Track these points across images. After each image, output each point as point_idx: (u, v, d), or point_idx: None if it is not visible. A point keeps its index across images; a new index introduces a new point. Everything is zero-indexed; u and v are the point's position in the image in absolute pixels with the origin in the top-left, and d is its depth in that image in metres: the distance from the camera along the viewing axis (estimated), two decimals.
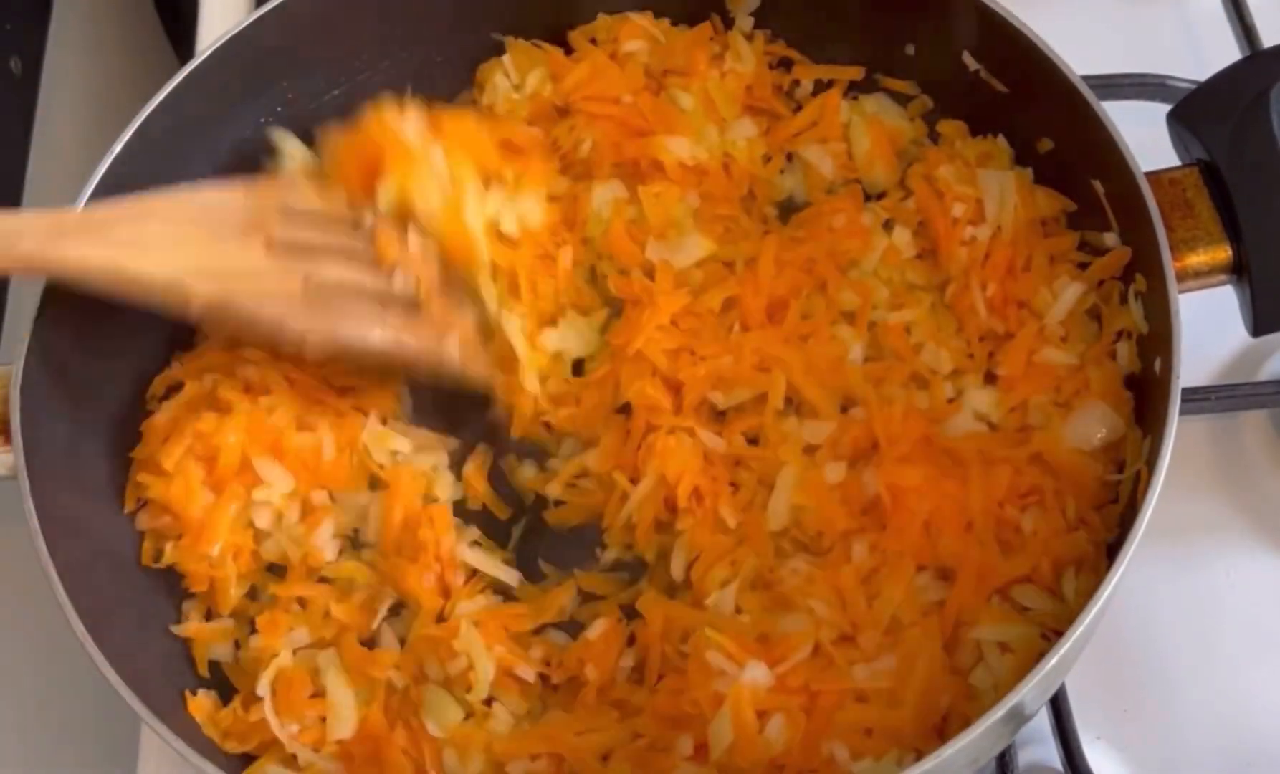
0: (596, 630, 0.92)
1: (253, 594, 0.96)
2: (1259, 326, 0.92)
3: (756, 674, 0.84)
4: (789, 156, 1.08)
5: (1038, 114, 0.98)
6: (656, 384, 0.97)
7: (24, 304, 0.90)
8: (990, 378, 0.96)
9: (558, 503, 0.99)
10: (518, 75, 1.10)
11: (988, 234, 0.98)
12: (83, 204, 0.91)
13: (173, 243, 0.88)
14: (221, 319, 0.90)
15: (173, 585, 0.95)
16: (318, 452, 0.96)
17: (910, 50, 1.05)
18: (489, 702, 0.91)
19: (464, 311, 0.98)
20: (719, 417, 0.98)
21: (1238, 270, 0.91)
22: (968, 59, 1.01)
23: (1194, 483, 1.03)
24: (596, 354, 1.02)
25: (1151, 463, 0.82)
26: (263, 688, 0.89)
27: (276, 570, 0.97)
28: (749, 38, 1.09)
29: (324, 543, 0.96)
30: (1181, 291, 0.87)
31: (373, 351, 0.93)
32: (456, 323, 0.97)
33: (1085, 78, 0.94)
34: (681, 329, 0.99)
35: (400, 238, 0.96)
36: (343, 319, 0.91)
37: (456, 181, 1.00)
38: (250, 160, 1.04)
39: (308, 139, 1.05)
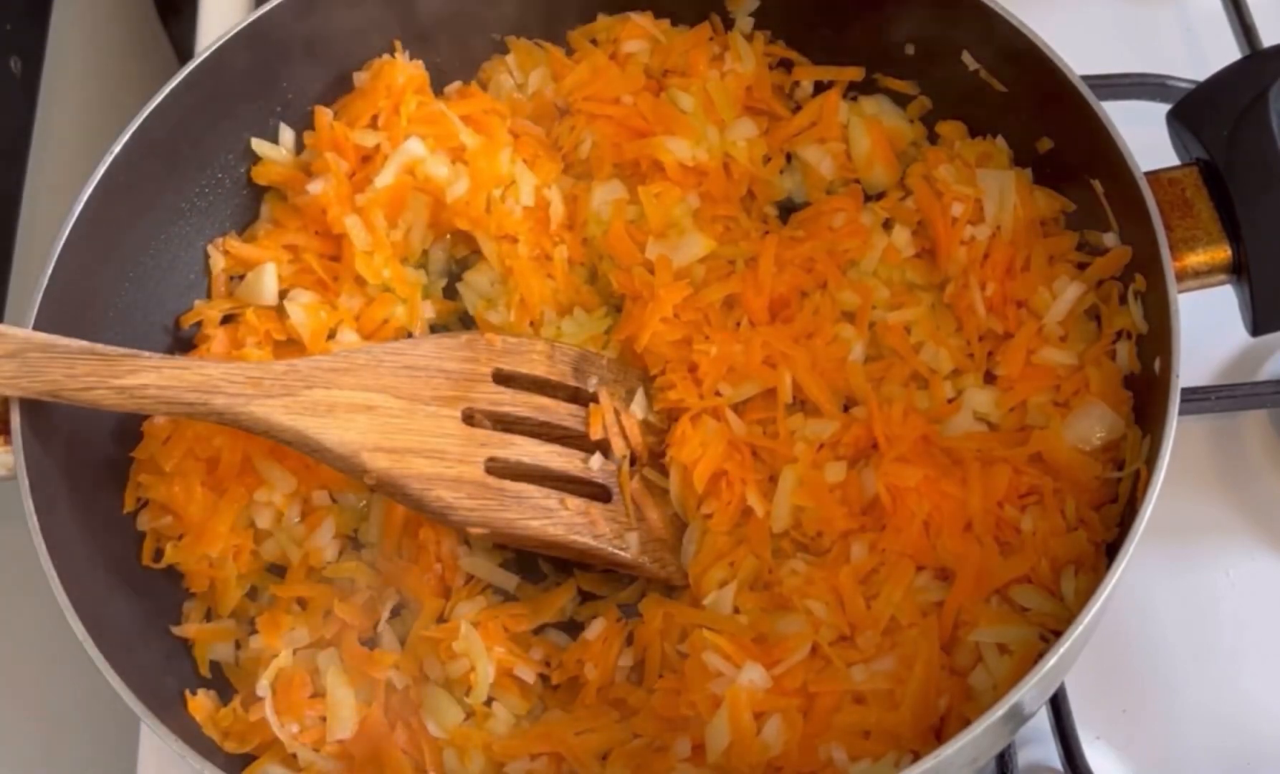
0: (595, 630, 0.92)
1: (253, 594, 0.96)
2: (1258, 326, 0.92)
3: (754, 676, 0.84)
4: (788, 157, 1.08)
5: (1037, 114, 0.98)
6: (678, 368, 0.97)
7: (24, 302, 0.90)
8: (990, 378, 0.96)
9: None
10: (521, 74, 1.10)
11: (987, 234, 0.98)
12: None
13: (362, 410, 0.88)
14: (390, 493, 0.90)
15: (173, 585, 0.95)
16: None
17: (910, 50, 1.05)
18: (489, 702, 0.91)
19: (658, 503, 0.96)
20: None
21: (1237, 270, 0.90)
22: (967, 59, 1.01)
23: (1194, 483, 1.03)
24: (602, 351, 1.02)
25: (1151, 462, 0.82)
26: (263, 688, 0.89)
27: (276, 570, 0.97)
28: (749, 38, 1.09)
29: (324, 543, 0.97)
30: (1181, 291, 0.87)
31: (543, 542, 0.93)
32: (648, 515, 0.95)
33: (1085, 78, 0.94)
34: (684, 322, 0.99)
35: (621, 410, 0.96)
36: (515, 509, 0.90)
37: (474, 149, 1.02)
38: (250, 159, 1.05)
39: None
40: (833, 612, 0.88)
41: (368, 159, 1.03)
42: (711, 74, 1.07)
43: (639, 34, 1.09)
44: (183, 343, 1.02)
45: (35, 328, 0.88)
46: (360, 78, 1.06)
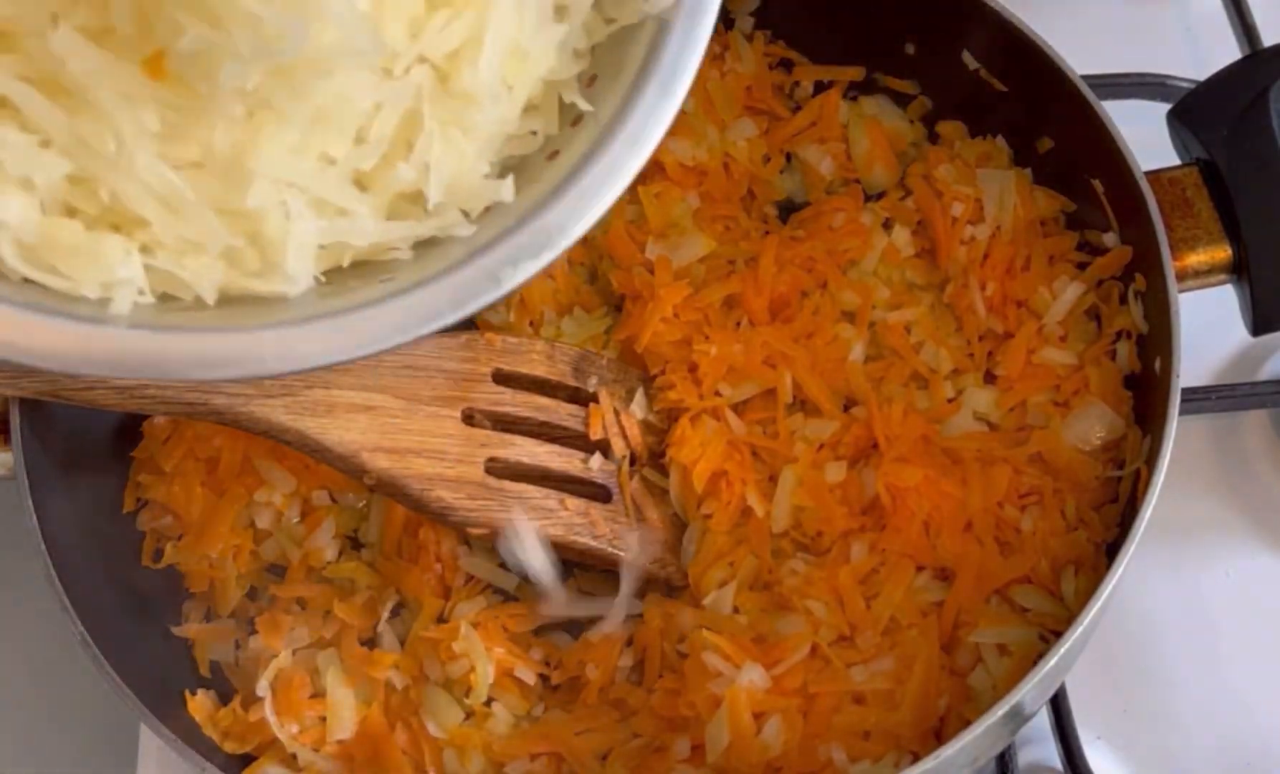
0: (596, 631, 0.92)
1: (252, 594, 0.96)
2: (1258, 326, 0.92)
3: (753, 676, 0.84)
4: (788, 157, 1.08)
5: (1038, 113, 0.98)
6: (678, 368, 0.97)
7: None
8: (990, 377, 0.96)
9: None
10: None
11: (987, 233, 0.98)
12: None
13: (362, 410, 0.88)
14: (390, 494, 0.90)
15: (173, 585, 0.95)
16: None
17: (910, 50, 1.05)
18: (489, 702, 0.91)
19: (657, 503, 0.96)
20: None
21: (1237, 270, 0.91)
22: (968, 59, 1.01)
23: (1194, 483, 1.03)
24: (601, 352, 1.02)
25: (1151, 462, 0.83)
26: (262, 688, 0.89)
27: (276, 570, 0.97)
28: (749, 38, 1.09)
29: (324, 543, 0.97)
30: (1181, 291, 0.88)
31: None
32: (648, 515, 0.95)
33: (1085, 77, 0.94)
34: (684, 322, 0.99)
35: (621, 410, 0.96)
36: (515, 510, 0.90)
37: None
38: None
39: None
40: (832, 612, 0.88)
41: None
42: (711, 74, 1.07)
43: None
44: None
45: None
46: None
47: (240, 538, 0.95)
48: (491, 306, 1.02)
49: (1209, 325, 0.96)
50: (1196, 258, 0.90)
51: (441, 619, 0.93)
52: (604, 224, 1.03)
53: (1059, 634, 0.79)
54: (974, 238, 0.98)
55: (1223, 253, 0.90)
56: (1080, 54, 0.95)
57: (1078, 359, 0.94)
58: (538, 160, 0.75)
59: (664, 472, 0.96)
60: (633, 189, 1.03)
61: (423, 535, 0.95)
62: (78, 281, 0.65)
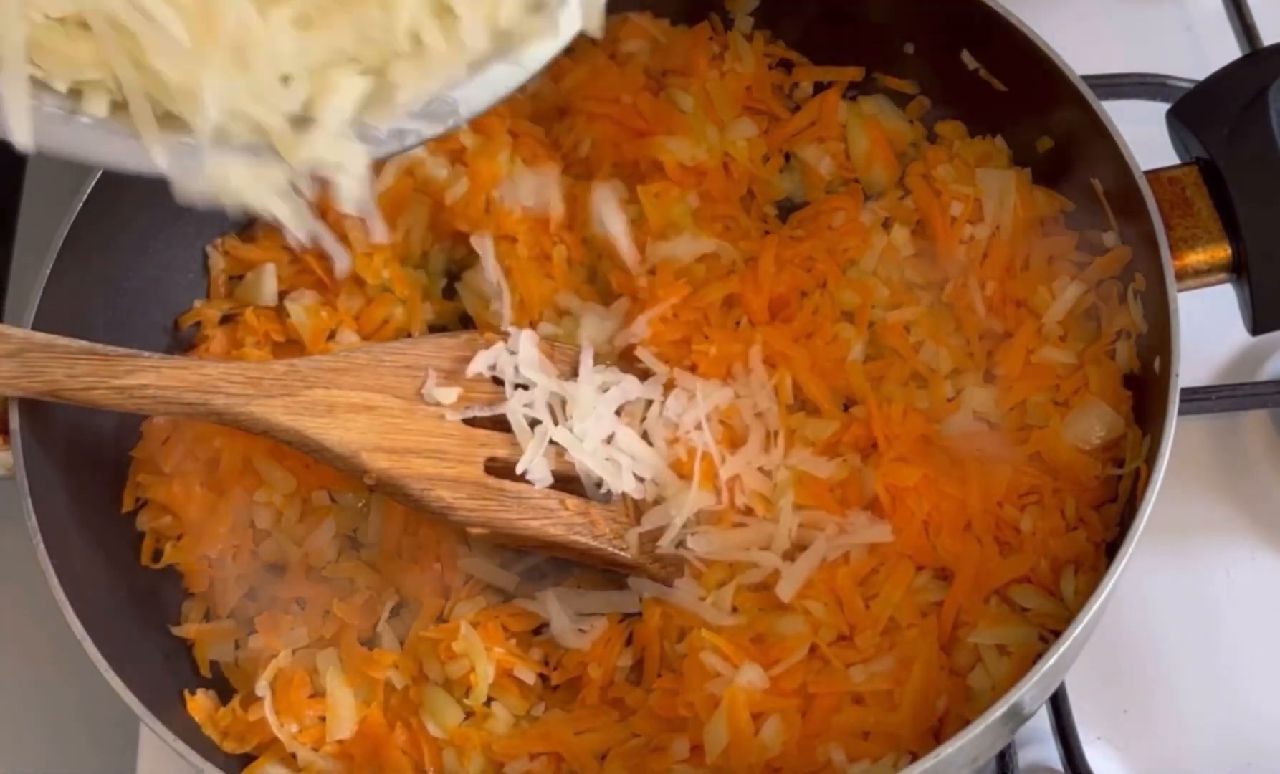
0: (596, 631, 0.92)
1: (252, 594, 0.96)
2: (1258, 325, 0.92)
3: (752, 676, 0.84)
4: (787, 156, 1.08)
5: (1037, 113, 0.98)
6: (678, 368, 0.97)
7: (23, 302, 0.91)
8: (989, 377, 0.96)
9: None
10: None
11: (986, 233, 0.98)
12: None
13: (362, 410, 0.88)
14: (390, 493, 0.90)
15: (173, 585, 0.96)
16: None
17: (910, 50, 1.05)
18: (488, 702, 0.91)
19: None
20: None
21: (1237, 269, 0.91)
22: (967, 59, 1.01)
23: (1194, 483, 1.03)
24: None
25: (1151, 461, 0.83)
26: (262, 688, 0.89)
27: (276, 570, 0.97)
28: (748, 38, 1.09)
29: (324, 543, 0.97)
30: (1181, 290, 0.88)
31: (543, 542, 0.92)
32: (647, 511, 0.94)
33: (1085, 77, 0.94)
34: (684, 322, 0.99)
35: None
36: (515, 509, 0.90)
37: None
38: None
39: None
40: (831, 612, 0.88)
41: None
42: (711, 74, 1.07)
43: (638, 34, 1.09)
44: (182, 343, 1.02)
45: (34, 328, 0.88)
46: None
47: (240, 538, 0.95)
48: (490, 306, 1.03)
49: (1209, 325, 0.95)
50: (1196, 257, 0.90)
51: (441, 619, 0.93)
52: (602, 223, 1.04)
53: (1058, 634, 0.79)
54: (973, 237, 0.98)
55: (1222, 252, 0.90)
56: (1080, 54, 0.95)
57: (1077, 359, 0.94)
58: None
59: None
60: (632, 189, 1.04)
61: (423, 535, 0.95)
62: (49, 75, 0.67)
